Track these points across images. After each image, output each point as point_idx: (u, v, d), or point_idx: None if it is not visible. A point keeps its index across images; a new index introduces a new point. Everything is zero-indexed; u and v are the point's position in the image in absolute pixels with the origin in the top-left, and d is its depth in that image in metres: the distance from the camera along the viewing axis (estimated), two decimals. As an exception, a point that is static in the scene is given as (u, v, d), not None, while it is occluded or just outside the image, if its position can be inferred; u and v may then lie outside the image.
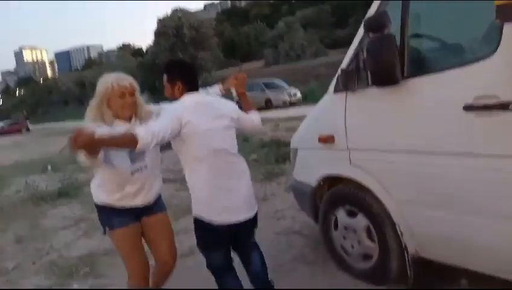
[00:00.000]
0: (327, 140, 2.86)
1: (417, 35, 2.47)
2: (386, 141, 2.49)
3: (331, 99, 2.89)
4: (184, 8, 44.03)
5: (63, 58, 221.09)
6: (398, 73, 2.25)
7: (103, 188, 2.43)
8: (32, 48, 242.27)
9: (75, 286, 3.48)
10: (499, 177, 2.00)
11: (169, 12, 44.01)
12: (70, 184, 6.92)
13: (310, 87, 24.05)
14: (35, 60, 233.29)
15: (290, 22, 46.34)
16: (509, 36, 1.87)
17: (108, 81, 2.33)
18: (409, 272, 2.58)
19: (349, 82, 2.62)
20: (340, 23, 52.42)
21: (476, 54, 2.25)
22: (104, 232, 2.52)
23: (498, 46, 1.91)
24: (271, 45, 45.75)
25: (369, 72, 2.38)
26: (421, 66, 2.41)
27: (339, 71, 2.72)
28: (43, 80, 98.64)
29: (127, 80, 2.36)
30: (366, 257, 2.84)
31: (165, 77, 2.39)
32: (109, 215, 2.45)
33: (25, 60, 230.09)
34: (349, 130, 2.69)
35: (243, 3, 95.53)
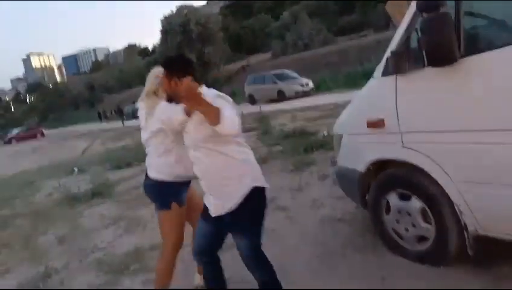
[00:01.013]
0: (377, 124, 2.85)
1: (470, 14, 2.45)
2: (443, 121, 2.47)
3: (379, 83, 2.87)
4: (189, 5, 44.01)
5: (70, 62, 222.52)
6: (456, 51, 2.23)
7: (181, 164, 2.60)
8: (39, 54, 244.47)
9: (127, 282, 3.54)
10: None
11: (174, 9, 44.09)
12: (102, 184, 7.01)
13: (322, 77, 23.88)
14: (43, 66, 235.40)
15: (295, 12, 45.97)
16: None
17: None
18: (469, 251, 2.58)
19: (401, 64, 2.61)
20: (346, 10, 51.94)
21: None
22: (167, 207, 2.67)
23: None
24: (277, 36, 45.46)
25: (424, 53, 2.36)
26: (476, 44, 2.39)
27: (388, 54, 2.70)
28: (52, 85, 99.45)
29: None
30: (422, 239, 2.84)
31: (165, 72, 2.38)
32: (180, 191, 2.71)
33: (33, 66, 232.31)
34: (400, 112, 2.68)
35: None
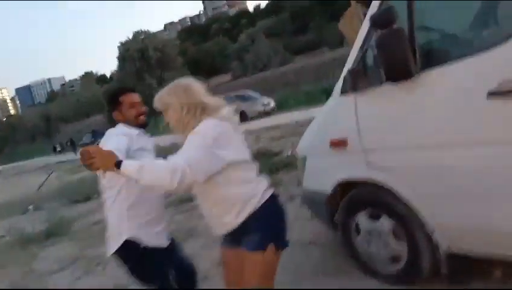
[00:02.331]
0: (340, 144, 2.77)
1: (423, 28, 2.43)
2: (405, 137, 2.41)
3: (338, 102, 2.80)
4: (146, 30, 43.74)
5: (24, 93, 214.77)
6: (413, 66, 2.19)
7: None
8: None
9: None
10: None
11: (130, 35, 43.60)
12: (58, 222, 6.59)
13: (282, 95, 24.16)
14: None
15: (252, 33, 46.73)
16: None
17: None
18: (443, 269, 2.51)
19: (358, 82, 2.55)
20: (301, 30, 53.26)
21: (485, 41, 2.24)
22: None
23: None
24: (236, 58, 45.90)
25: (381, 69, 2.31)
26: (432, 58, 2.36)
27: (345, 72, 2.65)
28: (6, 118, 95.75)
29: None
30: (394, 259, 2.75)
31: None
32: None
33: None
34: (362, 131, 2.61)
35: (203, 20, 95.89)
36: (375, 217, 2.78)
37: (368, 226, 2.82)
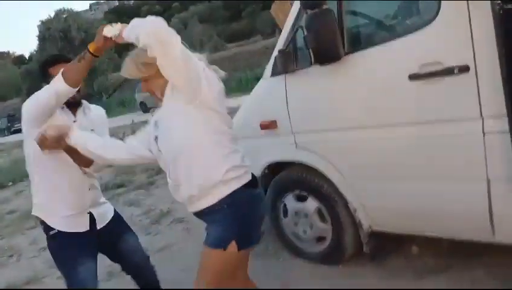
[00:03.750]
0: (269, 126, 2.77)
1: (352, 13, 2.47)
2: (332, 119, 2.46)
3: (268, 84, 2.79)
4: (69, 9, 40.99)
5: None
6: (341, 48, 2.21)
7: None
8: None
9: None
10: (447, 143, 2.06)
11: (52, 14, 40.69)
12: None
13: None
14: None
15: (184, 18, 45.71)
16: (449, 3, 1.92)
17: None
18: (364, 248, 2.61)
19: (288, 63, 2.54)
20: (234, 17, 53.03)
21: (409, 26, 2.33)
22: None
23: (437, 12, 1.95)
24: (167, 43, 44.56)
25: (310, 50, 2.32)
26: (358, 42, 2.42)
27: (275, 53, 2.63)
28: None
29: None
30: (320, 239, 2.82)
31: None
32: None
33: None
34: (292, 112, 2.62)
35: (132, 2, 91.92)
36: (302, 198, 2.81)
37: (295, 207, 2.85)
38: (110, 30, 1.71)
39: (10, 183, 8.13)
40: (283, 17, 4.29)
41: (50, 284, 3.42)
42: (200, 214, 1.85)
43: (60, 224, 2.08)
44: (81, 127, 2.04)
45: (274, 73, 2.69)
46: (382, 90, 2.21)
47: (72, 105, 2.11)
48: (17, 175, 7.97)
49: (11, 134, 30.87)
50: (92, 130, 2.10)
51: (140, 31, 1.56)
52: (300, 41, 2.48)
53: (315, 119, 2.54)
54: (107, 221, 2.27)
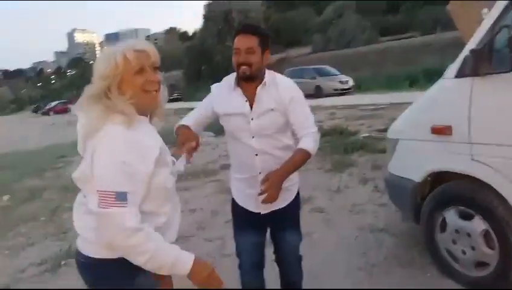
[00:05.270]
0: (443, 131, 2.53)
1: None
2: (526, 134, 2.14)
3: (450, 85, 2.54)
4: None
5: (112, 40, 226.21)
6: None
7: None
8: (83, 30, 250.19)
9: None
10: None
11: (217, -4, 43.78)
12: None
13: (363, 76, 23.11)
14: (86, 42, 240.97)
15: (339, 7, 44.99)
16: None
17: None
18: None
19: (481, 65, 2.27)
20: (391, 10, 50.37)
21: None
22: None
23: None
24: (318, 31, 44.56)
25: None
26: None
27: (466, 52, 2.37)
28: (93, 62, 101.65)
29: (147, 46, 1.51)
30: (480, 264, 2.52)
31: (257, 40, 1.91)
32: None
33: (76, 42, 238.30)
34: (474, 120, 2.36)
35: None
36: (466, 216, 2.54)
37: (458, 224, 2.59)
38: None
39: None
40: (466, 15, 3.91)
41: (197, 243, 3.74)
42: None
43: None
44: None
45: (460, 74, 2.44)
46: None
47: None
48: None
49: (169, 102, 34.55)
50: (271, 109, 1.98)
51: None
52: (500, 43, 2.19)
53: (503, 132, 2.24)
54: None
